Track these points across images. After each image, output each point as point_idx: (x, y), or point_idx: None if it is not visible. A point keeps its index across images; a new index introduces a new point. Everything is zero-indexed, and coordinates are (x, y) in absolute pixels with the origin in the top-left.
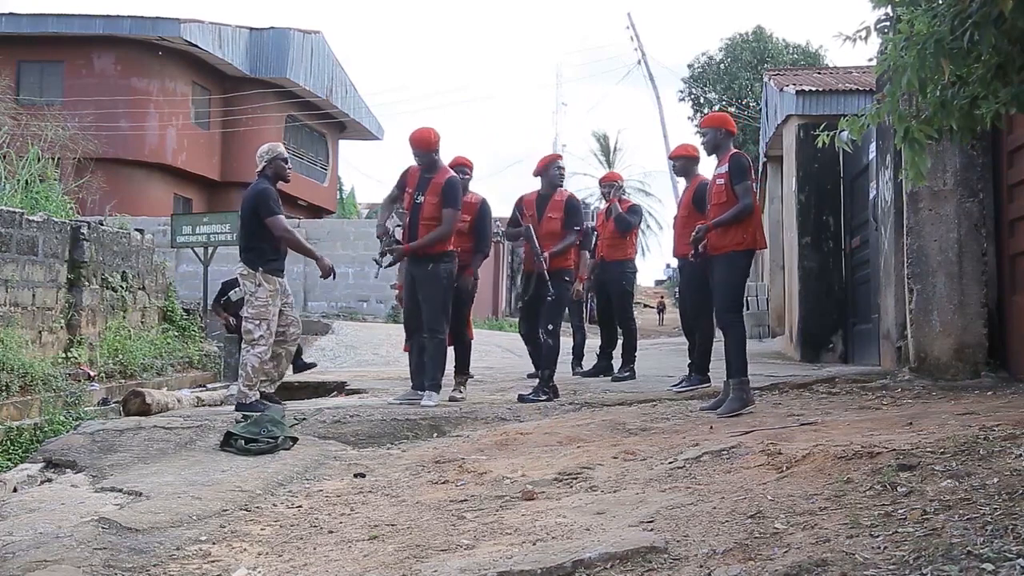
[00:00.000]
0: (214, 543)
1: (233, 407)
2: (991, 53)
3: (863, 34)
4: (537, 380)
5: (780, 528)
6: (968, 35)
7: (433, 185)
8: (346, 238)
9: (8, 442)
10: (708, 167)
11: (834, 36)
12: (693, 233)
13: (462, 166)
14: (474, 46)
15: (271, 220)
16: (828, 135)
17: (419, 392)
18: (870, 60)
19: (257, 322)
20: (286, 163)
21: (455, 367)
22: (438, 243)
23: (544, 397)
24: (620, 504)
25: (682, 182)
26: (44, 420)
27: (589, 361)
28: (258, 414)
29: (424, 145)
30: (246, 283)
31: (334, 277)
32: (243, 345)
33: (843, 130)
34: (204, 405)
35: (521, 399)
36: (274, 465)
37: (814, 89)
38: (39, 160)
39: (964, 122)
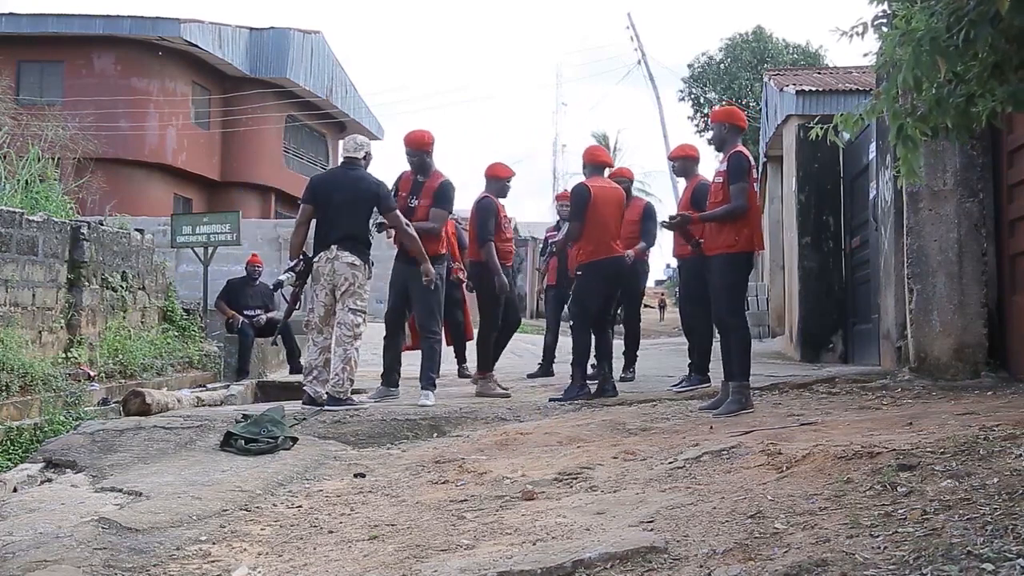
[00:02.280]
0: (214, 543)
1: (317, 401)
2: (988, 51)
3: (860, 30)
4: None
5: (780, 528)
6: (964, 33)
7: (426, 189)
8: None
9: (8, 442)
10: (709, 167)
11: (831, 31)
12: (669, 220)
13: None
14: (474, 46)
15: (394, 214)
16: (822, 128)
17: (391, 389)
18: (866, 55)
19: (363, 316)
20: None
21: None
22: (425, 239)
23: (569, 397)
24: (620, 504)
25: (682, 182)
26: (44, 420)
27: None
28: (256, 414)
29: (417, 144)
30: (356, 274)
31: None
32: (343, 338)
33: (840, 128)
34: (204, 405)
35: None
36: (274, 465)
37: (814, 89)
38: (39, 160)
39: (960, 120)
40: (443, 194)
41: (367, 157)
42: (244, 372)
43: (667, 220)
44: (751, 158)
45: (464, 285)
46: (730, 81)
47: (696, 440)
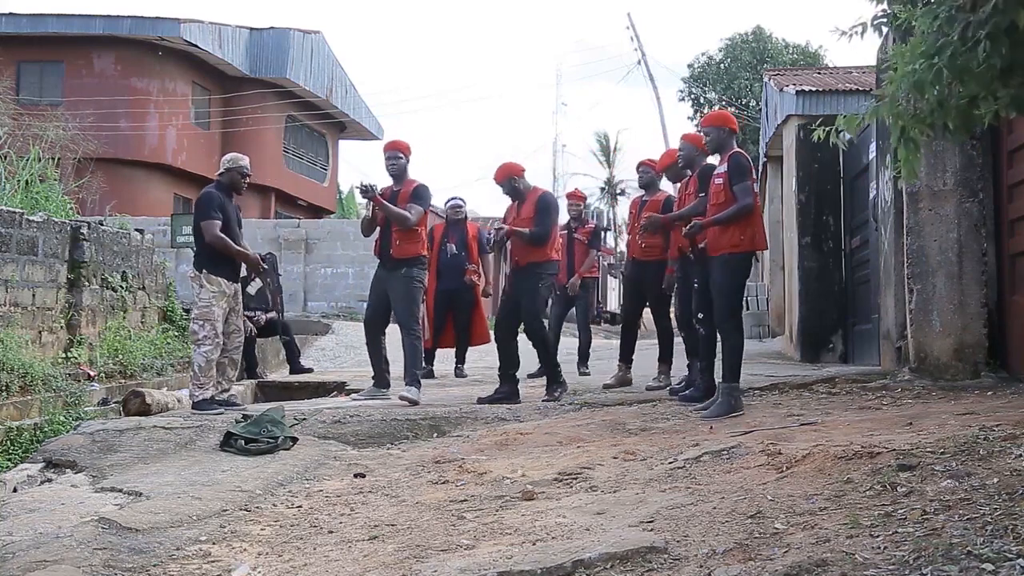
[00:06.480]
0: (214, 543)
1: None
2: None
3: (860, 30)
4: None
5: (780, 528)
6: (982, 46)
7: (402, 195)
8: (346, 238)
9: (8, 442)
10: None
11: (831, 31)
12: (686, 228)
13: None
14: (474, 46)
15: (204, 223)
16: (824, 130)
17: (381, 389)
18: (860, 51)
19: (201, 323)
20: (243, 177)
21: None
22: (405, 238)
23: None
24: (620, 504)
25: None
26: (44, 420)
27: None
28: (256, 414)
29: (395, 146)
30: (194, 284)
31: (263, 269)
32: (191, 345)
33: (841, 130)
34: None
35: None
36: (274, 465)
37: (814, 89)
38: (39, 160)
39: (961, 121)
40: (418, 194)
41: (227, 173)
42: (252, 371)
43: (684, 230)
44: (750, 158)
45: (478, 289)
46: (730, 81)
47: (696, 440)
